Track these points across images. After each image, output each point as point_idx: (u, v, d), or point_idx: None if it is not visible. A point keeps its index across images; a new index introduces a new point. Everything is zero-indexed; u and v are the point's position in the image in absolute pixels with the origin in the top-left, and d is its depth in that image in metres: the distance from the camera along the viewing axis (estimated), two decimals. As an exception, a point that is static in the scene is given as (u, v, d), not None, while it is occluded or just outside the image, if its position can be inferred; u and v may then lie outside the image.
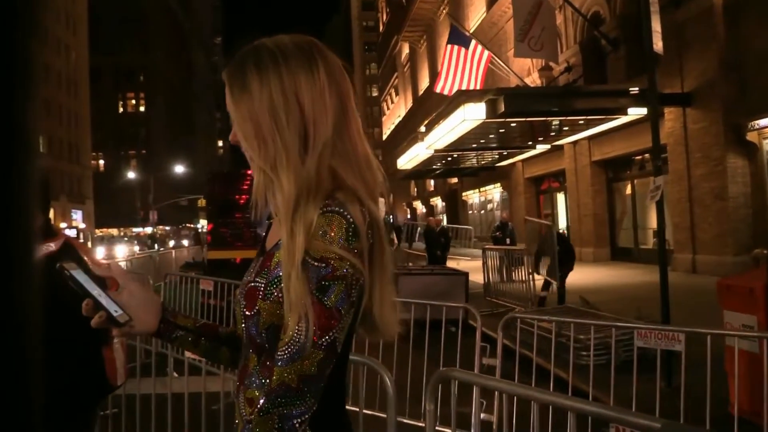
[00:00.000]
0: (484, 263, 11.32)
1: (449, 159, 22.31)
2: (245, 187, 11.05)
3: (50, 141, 53.11)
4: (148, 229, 54.58)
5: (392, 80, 52.38)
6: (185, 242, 41.03)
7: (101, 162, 78.24)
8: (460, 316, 5.09)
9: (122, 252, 34.91)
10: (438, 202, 41.27)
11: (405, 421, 4.19)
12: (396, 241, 19.57)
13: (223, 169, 67.04)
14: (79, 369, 2.08)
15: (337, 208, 1.08)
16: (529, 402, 2.03)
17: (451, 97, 15.39)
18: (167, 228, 64.30)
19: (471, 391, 2.53)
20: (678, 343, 3.59)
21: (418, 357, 5.08)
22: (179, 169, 61.07)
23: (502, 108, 12.81)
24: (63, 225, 51.59)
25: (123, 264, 11.84)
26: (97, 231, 62.60)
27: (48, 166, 51.51)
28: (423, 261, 15.25)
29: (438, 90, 18.52)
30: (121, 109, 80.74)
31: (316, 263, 1.05)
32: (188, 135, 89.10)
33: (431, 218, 18.54)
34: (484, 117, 13.35)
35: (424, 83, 38.16)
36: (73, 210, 57.37)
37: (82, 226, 57.51)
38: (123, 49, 74.32)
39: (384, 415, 2.48)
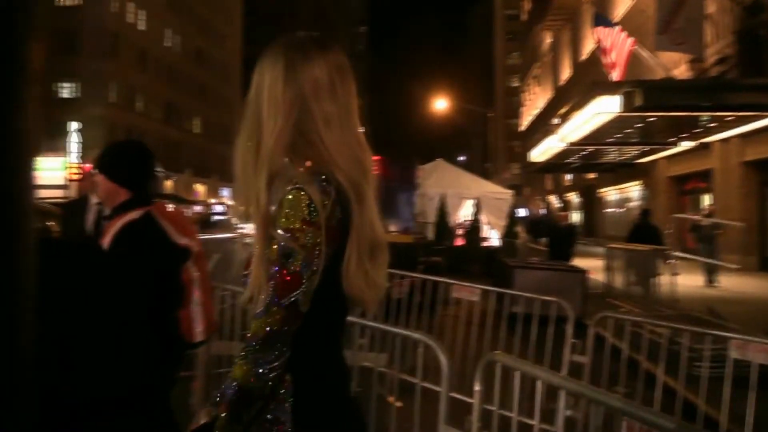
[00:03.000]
0: (608, 263, 10.86)
1: (585, 153, 21.40)
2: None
3: (205, 123, 57.54)
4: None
5: (532, 70, 50.99)
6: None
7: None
8: (554, 312, 4.97)
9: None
10: (574, 197, 39.77)
11: (459, 396, 4.31)
12: (523, 234, 19.16)
13: None
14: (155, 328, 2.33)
15: (301, 185, 1.23)
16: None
17: (585, 89, 14.75)
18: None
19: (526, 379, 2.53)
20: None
21: (505, 347, 5.05)
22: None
23: (639, 101, 12.09)
24: (212, 201, 55.79)
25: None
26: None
27: (202, 146, 55.89)
28: (544, 256, 14.85)
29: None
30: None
31: (281, 233, 1.21)
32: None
33: (558, 213, 17.96)
34: (619, 110, 12.68)
35: (565, 73, 36.83)
36: (222, 187, 61.76)
37: (230, 202, 61.82)
38: (273, 39, 78.36)
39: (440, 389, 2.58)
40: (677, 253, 11.41)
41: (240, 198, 1.33)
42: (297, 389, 1.27)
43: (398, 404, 4.25)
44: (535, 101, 50.89)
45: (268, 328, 1.19)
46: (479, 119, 64.93)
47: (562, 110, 17.84)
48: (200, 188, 55.91)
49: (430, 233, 16.79)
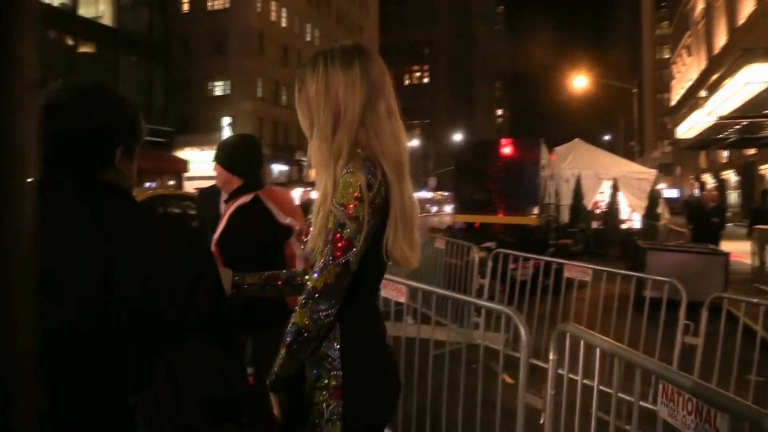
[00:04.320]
0: (758, 246, 10.06)
1: (741, 127, 19.63)
2: (489, 156, 11.43)
3: (346, 113, 59.56)
4: (428, 194, 58.05)
5: (684, 40, 47.28)
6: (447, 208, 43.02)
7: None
8: (665, 292, 4.81)
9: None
10: (731, 176, 36.60)
11: (538, 363, 4.34)
12: (666, 216, 18.05)
13: (476, 139, 68.30)
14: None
15: (353, 170, 1.52)
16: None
17: (733, 57, 13.60)
18: (445, 193, 67.93)
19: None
20: None
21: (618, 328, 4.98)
22: (458, 137, 63.61)
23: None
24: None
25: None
26: (382, 194, 68.52)
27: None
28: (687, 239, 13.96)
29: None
30: (406, 82, 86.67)
31: (339, 207, 1.50)
32: (468, 104, 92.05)
33: (705, 193, 16.73)
34: (771, 79, 11.60)
35: (719, 41, 33.82)
36: (363, 175, 63.71)
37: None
38: (409, 26, 79.48)
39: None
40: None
41: (320, 183, 1.61)
42: (344, 333, 1.55)
43: (509, 380, 4.41)
44: (686, 73, 47.18)
45: (324, 283, 1.49)
46: (626, 95, 61.47)
47: (709, 81, 16.55)
48: (341, 176, 58.02)
49: (565, 216, 16.38)
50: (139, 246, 1.18)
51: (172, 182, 30.37)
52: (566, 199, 16.87)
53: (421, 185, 66.81)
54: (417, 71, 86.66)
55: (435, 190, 59.25)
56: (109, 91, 1.30)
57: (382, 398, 1.60)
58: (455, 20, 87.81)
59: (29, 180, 0.43)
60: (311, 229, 1.60)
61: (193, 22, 39.79)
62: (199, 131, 35.85)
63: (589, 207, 17.67)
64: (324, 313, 1.49)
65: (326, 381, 1.54)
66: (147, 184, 27.76)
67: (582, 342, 2.32)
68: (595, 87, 46.23)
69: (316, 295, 1.49)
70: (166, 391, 1.12)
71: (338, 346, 1.54)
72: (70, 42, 27.48)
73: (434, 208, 48.06)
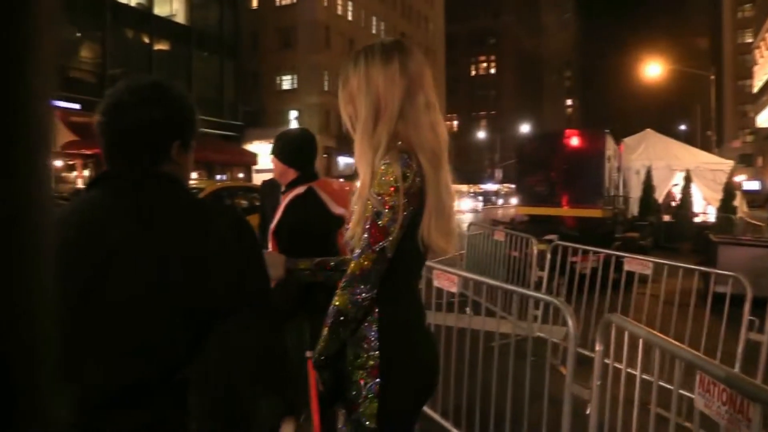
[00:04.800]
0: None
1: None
2: (552, 147, 11.22)
3: (411, 105, 59.52)
4: (494, 186, 57.45)
5: (767, 23, 44.81)
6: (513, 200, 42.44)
7: (455, 123, 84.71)
8: (730, 287, 4.66)
9: (467, 206, 38.61)
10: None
11: (584, 352, 4.30)
12: (744, 209, 17.26)
13: (538, 131, 66.81)
14: None
15: (390, 161, 1.61)
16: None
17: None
18: (512, 186, 67.03)
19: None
20: None
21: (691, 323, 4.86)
22: (525, 128, 62.55)
23: None
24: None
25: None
26: (448, 187, 68.38)
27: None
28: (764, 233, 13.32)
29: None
30: (473, 73, 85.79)
31: (376, 196, 1.59)
32: (536, 94, 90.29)
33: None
34: None
35: (807, 24, 31.85)
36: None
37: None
38: (475, 16, 78.57)
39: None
40: None
41: (359, 174, 1.70)
42: (382, 316, 1.65)
43: (564, 371, 4.40)
44: (770, 58, 44.75)
45: (362, 267, 1.59)
46: (703, 83, 58.76)
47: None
48: (407, 168, 58.04)
49: (635, 209, 15.91)
50: (190, 232, 1.31)
51: (241, 175, 31.27)
52: (636, 192, 16.38)
53: (488, 177, 66.19)
54: (483, 62, 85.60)
55: (501, 182, 58.53)
56: (165, 89, 1.41)
57: (417, 380, 1.68)
58: (523, 8, 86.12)
59: (46, 175, 0.42)
60: (352, 217, 1.69)
61: (262, 18, 40.69)
62: (267, 125, 36.73)
63: (661, 200, 17.10)
64: (361, 297, 1.58)
65: (364, 361, 1.64)
66: (218, 177, 28.72)
67: (626, 333, 2.32)
68: (670, 74, 44.45)
69: (354, 280, 1.59)
70: (213, 361, 1.23)
71: (376, 328, 1.64)
72: (146, 40, 28.67)
73: (501, 201, 47.52)
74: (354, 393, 1.64)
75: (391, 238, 1.58)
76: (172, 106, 1.41)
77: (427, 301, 4.51)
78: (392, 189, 1.57)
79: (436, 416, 4.11)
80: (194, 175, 28.69)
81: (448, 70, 70.42)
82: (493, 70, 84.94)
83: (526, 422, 3.36)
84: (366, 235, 1.60)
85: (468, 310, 5.99)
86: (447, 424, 4.04)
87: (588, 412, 2.62)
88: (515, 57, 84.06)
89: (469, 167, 72.87)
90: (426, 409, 4.26)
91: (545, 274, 6.54)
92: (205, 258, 1.28)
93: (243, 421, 1.23)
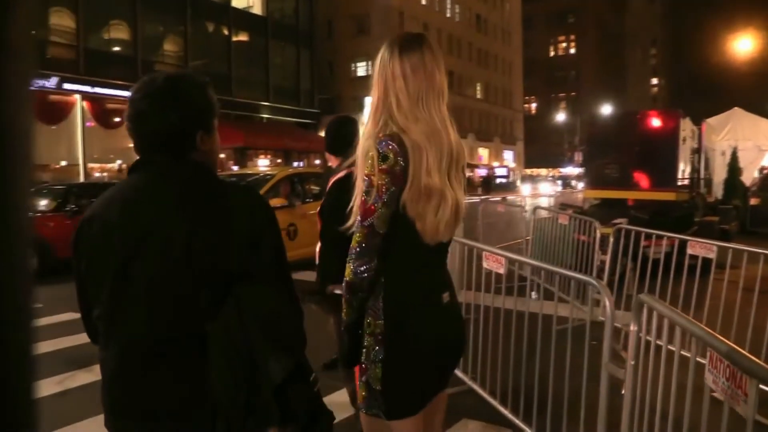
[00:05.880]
0: None
1: None
2: (623, 129, 10.85)
3: (486, 88, 58.79)
4: (576, 170, 55.92)
5: None
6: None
7: (533, 105, 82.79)
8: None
9: (545, 190, 37.73)
10: None
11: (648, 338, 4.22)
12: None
13: (610, 113, 63.92)
14: None
15: (377, 144, 1.76)
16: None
17: None
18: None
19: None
20: None
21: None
22: (606, 109, 60.43)
23: None
24: (495, 164, 57.06)
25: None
26: (526, 170, 67.30)
27: (483, 111, 57.26)
28: None
29: None
30: (551, 53, 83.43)
31: (363, 177, 1.76)
32: (619, 74, 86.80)
33: None
34: None
35: None
36: (504, 150, 62.68)
37: (512, 165, 62.57)
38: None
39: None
40: None
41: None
42: (387, 287, 1.80)
43: (624, 354, 4.36)
44: None
45: (358, 242, 1.76)
46: (803, 56, 54.55)
47: None
48: (483, 152, 57.56)
49: (719, 192, 15.18)
50: (212, 210, 1.50)
51: (318, 161, 31.92)
52: (721, 174, 15.60)
53: (567, 161, 64.45)
54: (563, 41, 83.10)
55: (581, 165, 56.91)
56: (178, 86, 1.57)
57: (416, 355, 1.81)
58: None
59: (27, 171, 0.43)
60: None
61: (336, 5, 41.13)
62: (343, 111, 37.20)
63: (749, 182, 16.21)
64: (361, 269, 1.76)
65: (373, 329, 1.81)
66: (295, 164, 29.48)
67: (655, 312, 2.32)
68: (765, 49, 41.68)
69: (353, 254, 1.77)
70: (232, 320, 1.42)
71: (381, 300, 1.80)
72: (225, 32, 29.66)
73: (581, 185, 46.29)
74: (365, 357, 1.82)
75: (377, 215, 1.74)
76: (187, 104, 1.56)
77: (486, 285, 4.56)
78: (376, 169, 1.72)
79: (492, 400, 4.13)
80: (267, 162, 29.71)
81: (526, 51, 68.81)
82: (572, 50, 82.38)
83: (583, 407, 3.25)
84: (359, 213, 1.77)
85: (534, 294, 5.99)
86: (504, 410, 4.03)
87: (623, 392, 2.64)
88: (596, 35, 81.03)
89: (549, 151, 71.18)
90: (479, 390, 4.32)
91: (608, 258, 6.43)
92: (224, 231, 1.48)
93: (253, 371, 1.39)
